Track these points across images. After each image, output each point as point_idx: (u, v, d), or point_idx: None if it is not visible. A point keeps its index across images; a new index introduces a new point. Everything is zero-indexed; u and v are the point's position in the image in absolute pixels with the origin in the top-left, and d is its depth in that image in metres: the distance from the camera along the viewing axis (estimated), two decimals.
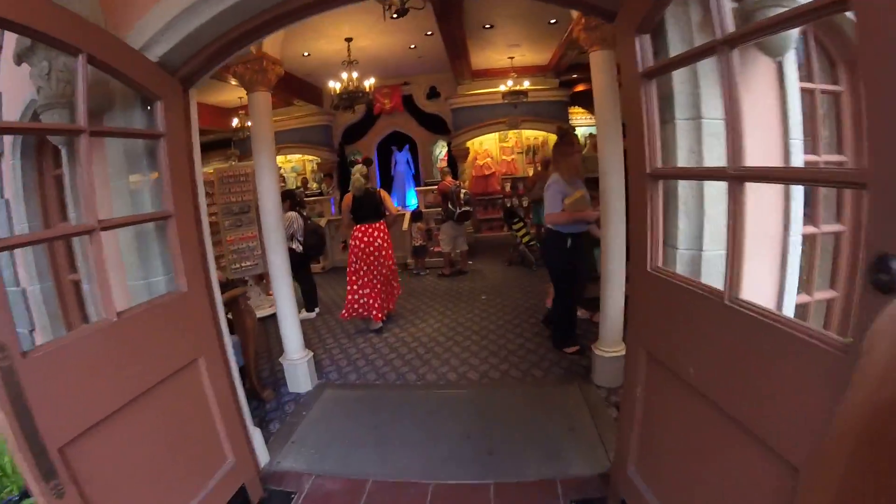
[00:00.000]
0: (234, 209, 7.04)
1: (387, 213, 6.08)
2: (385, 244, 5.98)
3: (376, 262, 5.90)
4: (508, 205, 11.13)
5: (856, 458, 0.58)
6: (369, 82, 8.60)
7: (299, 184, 12.55)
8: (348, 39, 8.48)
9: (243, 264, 7.13)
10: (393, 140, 13.40)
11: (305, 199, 10.60)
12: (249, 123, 10.68)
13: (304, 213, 6.81)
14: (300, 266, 6.77)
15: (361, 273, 5.88)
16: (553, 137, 12.03)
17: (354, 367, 4.95)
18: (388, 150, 13.65)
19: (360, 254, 5.88)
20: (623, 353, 4.06)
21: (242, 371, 4.33)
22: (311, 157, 12.95)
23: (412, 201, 13.01)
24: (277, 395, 4.43)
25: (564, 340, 4.83)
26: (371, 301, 5.84)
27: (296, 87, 10.90)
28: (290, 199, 6.73)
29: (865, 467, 0.57)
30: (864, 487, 0.57)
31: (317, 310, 6.92)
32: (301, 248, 6.65)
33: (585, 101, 13.24)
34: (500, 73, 10.95)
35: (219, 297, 3.00)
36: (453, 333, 5.63)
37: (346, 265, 6.06)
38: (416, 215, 8.94)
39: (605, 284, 3.99)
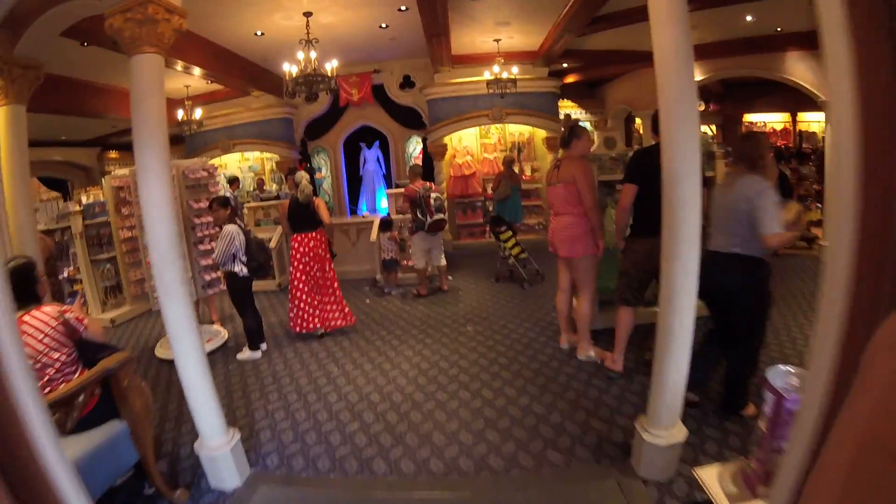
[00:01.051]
0: None
1: (323, 223, 5.86)
2: (324, 253, 5.88)
3: (315, 272, 5.83)
4: (491, 208, 9.90)
5: (855, 464, 0.52)
6: (331, 65, 7.21)
7: (255, 186, 11.09)
8: (307, 14, 7.07)
9: None
10: (362, 136, 11.98)
11: (262, 202, 9.22)
12: (198, 114, 9.23)
13: (244, 225, 5.42)
14: (244, 294, 5.40)
15: (301, 284, 5.81)
16: (541, 133, 10.84)
17: (302, 443, 3.62)
18: (357, 147, 12.20)
19: (297, 264, 5.78)
20: (682, 439, 2.85)
21: (140, 467, 3.01)
22: (270, 155, 11.46)
23: (382, 205, 11.64)
24: (195, 492, 3.11)
25: (741, 399, 3.52)
26: (312, 311, 5.86)
27: (251, 73, 9.43)
28: (228, 208, 5.34)
29: (864, 473, 0.51)
30: (863, 492, 0.51)
31: (263, 346, 5.55)
32: (245, 270, 5.26)
33: (576, 93, 12.08)
34: (485, 59, 9.65)
35: None
36: (435, 388, 4.31)
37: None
38: (385, 224, 7.60)
39: (666, 338, 2.74)
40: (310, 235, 5.73)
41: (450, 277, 7.81)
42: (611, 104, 12.00)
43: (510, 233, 7.48)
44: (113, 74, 8.78)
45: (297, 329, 5.81)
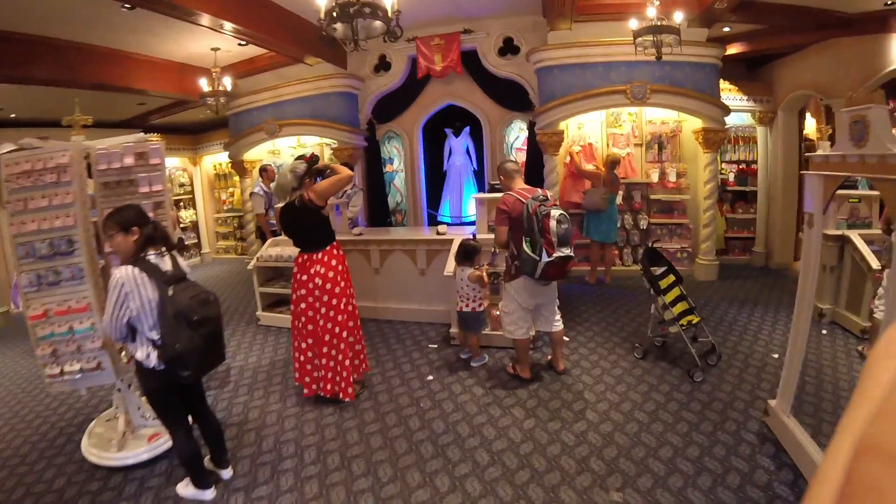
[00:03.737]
0: (41, 248, 3.12)
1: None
2: (323, 284, 3.94)
3: (304, 312, 4.04)
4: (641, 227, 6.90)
5: (853, 468, 0.52)
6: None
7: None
8: None
9: (66, 368, 3.23)
10: (448, 119, 9.15)
11: None
12: (228, 84, 6.73)
13: (167, 265, 2.74)
14: (159, 401, 2.83)
15: (292, 320, 4.22)
16: (693, 123, 7.62)
17: None
18: (441, 134, 9.38)
19: (292, 295, 4.15)
20: None
21: None
22: (330, 140, 8.96)
23: (471, 211, 8.81)
24: None
25: None
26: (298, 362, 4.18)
27: (294, 28, 6.89)
28: (133, 231, 2.69)
29: (861, 477, 0.52)
30: (860, 497, 0.51)
31: (226, 473, 3.04)
32: (155, 358, 2.62)
33: (730, 72, 8.37)
34: (622, 9, 6.60)
35: None
36: None
37: None
38: (467, 251, 4.67)
39: None
40: (306, 258, 4.01)
41: (565, 339, 4.90)
42: (784, 89, 8.23)
43: (673, 277, 4.42)
44: (116, 36, 6.62)
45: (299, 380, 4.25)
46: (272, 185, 7.55)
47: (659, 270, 4.44)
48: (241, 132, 9.24)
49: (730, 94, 8.35)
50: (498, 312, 4.81)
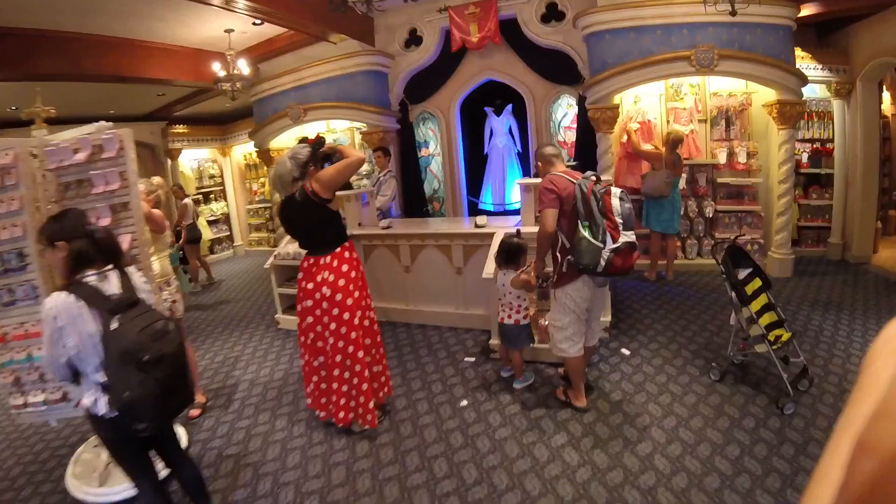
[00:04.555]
0: None
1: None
2: (336, 297, 3.29)
3: (311, 326, 3.46)
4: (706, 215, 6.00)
5: (852, 468, 0.50)
6: None
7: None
8: None
9: (30, 399, 2.77)
10: (487, 96, 8.35)
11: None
12: (244, 69, 5.97)
13: (113, 287, 2.14)
14: (119, 450, 2.29)
15: (299, 335, 3.61)
16: (765, 95, 6.61)
17: None
18: (480, 113, 8.60)
19: (297, 306, 3.54)
20: None
21: None
22: (360, 124, 8.35)
23: (514, 199, 8.06)
24: None
25: None
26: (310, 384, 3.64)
27: (320, 6, 6.24)
28: (61, 245, 2.12)
29: (860, 478, 0.49)
30: (859, 498, 0.49)
31: None
32: (104, 405, 2.06)
33: (800, 38, 7.16)
34: None
35: None
36: None
37: None
38: (509, 252, 3.88)
39: None
40: (312, 262, 3.38)
41: (625, 352, 4.17)
42: (862, 57, 6.91)
43: (759, 282, 3.61)
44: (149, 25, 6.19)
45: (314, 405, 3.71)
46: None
47: (743, 273, 3.63)
48: (265, 119, 8.70)
49: (801, 62, 7.19)
50: (546, 323, 4.09)
